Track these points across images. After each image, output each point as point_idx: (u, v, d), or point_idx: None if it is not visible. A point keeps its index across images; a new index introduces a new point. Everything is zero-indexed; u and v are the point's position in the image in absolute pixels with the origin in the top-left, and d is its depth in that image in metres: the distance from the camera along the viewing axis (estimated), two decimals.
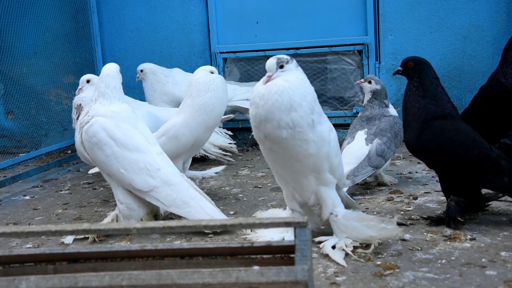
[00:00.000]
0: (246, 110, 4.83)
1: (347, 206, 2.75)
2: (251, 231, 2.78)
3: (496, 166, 2.65)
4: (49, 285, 1.36)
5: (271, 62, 2.44)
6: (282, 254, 1.58)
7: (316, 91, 2.51)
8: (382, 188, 3.58)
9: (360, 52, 5.14)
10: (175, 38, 5.65)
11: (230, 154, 4.58)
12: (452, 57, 4.97)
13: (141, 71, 5.05)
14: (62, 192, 4.09)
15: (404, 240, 2.60)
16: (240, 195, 3.65)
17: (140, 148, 2.94)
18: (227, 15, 5.51)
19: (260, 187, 3.84)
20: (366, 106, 3.75)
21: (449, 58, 4.97)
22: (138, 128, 3.01)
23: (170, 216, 3.14)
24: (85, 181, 4.37)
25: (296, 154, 2.39)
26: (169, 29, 5.70)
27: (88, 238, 2.90)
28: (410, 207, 3.12)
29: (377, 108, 3.69)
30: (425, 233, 2.68)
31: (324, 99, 5.27)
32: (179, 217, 2.97)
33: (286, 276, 1.33)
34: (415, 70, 2.83)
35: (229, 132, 4.76)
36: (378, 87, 3.70)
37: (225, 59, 5.52)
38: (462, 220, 2.70)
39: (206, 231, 2.82)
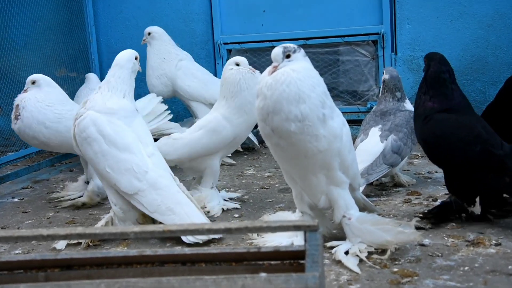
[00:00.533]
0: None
1: (364, 210, 2.74)
2: (258, 236, 2.78)
3: (500, 165, 2.66)
4: None
5: (277, 51, 2.45)
6: (291, 260, 1.57)
7: (327, 84, 2.52)
8: (399, 189, 3.58)
9: (375, 42, 5.14)
10: (176, 28, 5.66)
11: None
12: (475, 47, 4.95)
13: (149, 34, 5.01)
14: (54, 193, 4.10)
15: (423, 245, 2.60)
16: (245, 197, 3.65)
17: (129, 147, 2.94)
18: (231, 3, 5.51)
19: (267, 188, 3.84)
20: (380, 99, 3.76)
21: (471, 48, 4.95)
22: (133, 126, 3.02)
23: None
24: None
25: (306, 150, 2.39)
26: (169, 18, 5.70)
27: (82, 243, 2.90)
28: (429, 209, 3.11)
29: (391, 102, 3.68)
30: (446, 238, 2.67)
31: (336, 93, 5.26)
32: None
33: (296, 283, 1.33)
34: (426, 66, 2.98)
35: None
36: (387, 76, 3.70)
37: (229, 51, 5.52)
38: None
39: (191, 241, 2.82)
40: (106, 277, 1.59)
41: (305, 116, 2.34)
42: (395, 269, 2.36)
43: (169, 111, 4.21)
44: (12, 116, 3.69)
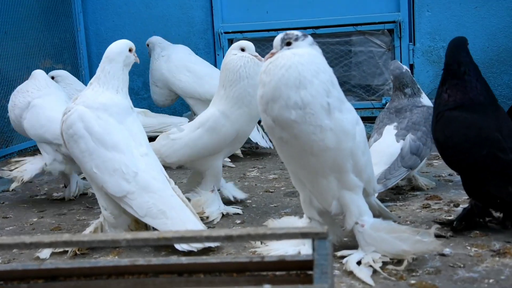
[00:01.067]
0: None
1: (379, 217, 2.74)
2: (261, 244, 2.78)
3: (507, 171, 2.66)
4: None
5: (276, 38, 2.50)
6: (297, 270, 1.58)
7: (338, 78, 2.51)
8: (417, 193, 3.58)
9: (390, 31, 5.13)
10: (172, 16, 5.67)
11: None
12: (502, 37, 4.94)
13: (147, 45, 5.26)
14: (38, 197, 4.11)
15: (443, 255, 2.60)
16: (248, 201, 3.66)
17: (118, 146, 2.94)
18: None
19: (271, 192, 3.85)
20: (392, 96, 3.76)
21: (498, 37, 4.94)
22: (126, 124, 3.02)
23: None
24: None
25: (310, 144, 2.39)
26: (165, 4, 5.71)
27: (68, 251, 2.90)
28: (450, 215, 3.12)
29: (405, 99, 3.67)
30: (469, 247, 2.67)
31: (347, 88, 5.26)
32: None
33: None
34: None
35: None
36: (391, 77, 3.71)
37: (230, 40, 5.51)
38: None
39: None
40: None
41: (306, 103, 2.34)
42: (413, 281, 2.36)
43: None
44: None
